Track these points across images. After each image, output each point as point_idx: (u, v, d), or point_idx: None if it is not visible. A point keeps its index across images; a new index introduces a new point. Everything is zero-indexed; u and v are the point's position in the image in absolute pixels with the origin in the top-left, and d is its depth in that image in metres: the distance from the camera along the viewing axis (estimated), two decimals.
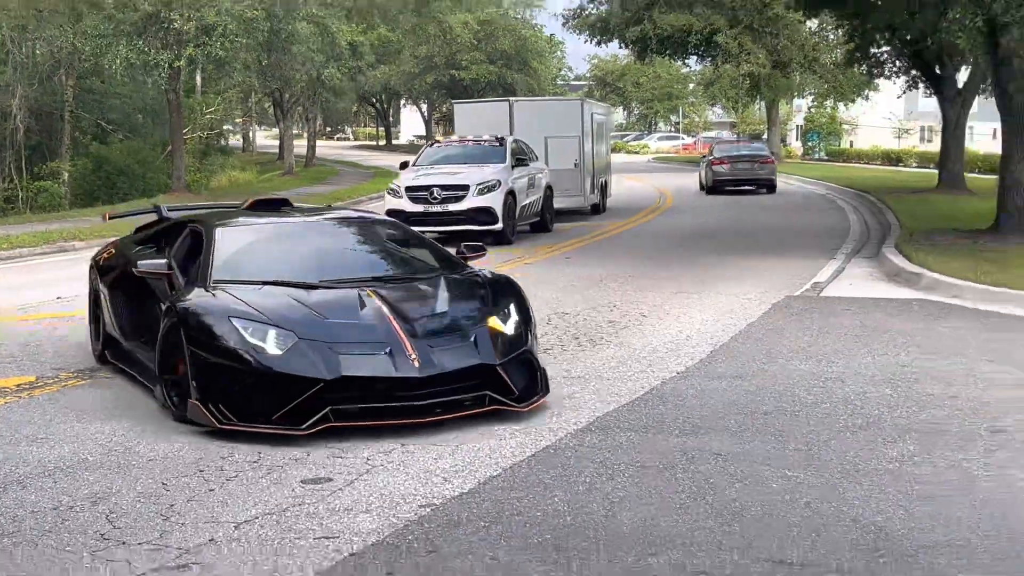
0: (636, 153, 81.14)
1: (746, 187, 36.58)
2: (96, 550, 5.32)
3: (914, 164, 53.49)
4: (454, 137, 25.44)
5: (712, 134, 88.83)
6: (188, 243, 9.21)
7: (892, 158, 57.82)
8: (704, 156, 41.71)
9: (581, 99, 31.51)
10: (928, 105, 53.27)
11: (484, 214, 20.20)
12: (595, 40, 48.84)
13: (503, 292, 8.63)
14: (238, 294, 8.01)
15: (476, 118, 26.66)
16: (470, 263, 9.52)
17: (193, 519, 5.76)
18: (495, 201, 20.24)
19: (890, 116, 76.22)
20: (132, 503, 6.05)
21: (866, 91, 55.78)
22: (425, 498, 6.03)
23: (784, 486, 6.18)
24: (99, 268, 10.32)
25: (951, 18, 16.54)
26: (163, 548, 5.35)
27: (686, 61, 60.35)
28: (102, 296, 9.97)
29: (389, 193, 21.64)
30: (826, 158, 65.93)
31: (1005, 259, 15.42)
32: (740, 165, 36.46)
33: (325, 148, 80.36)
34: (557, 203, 24.11)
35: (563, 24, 48.93)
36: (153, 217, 10.80)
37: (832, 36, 47.14)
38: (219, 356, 7.44)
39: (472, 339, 7.89)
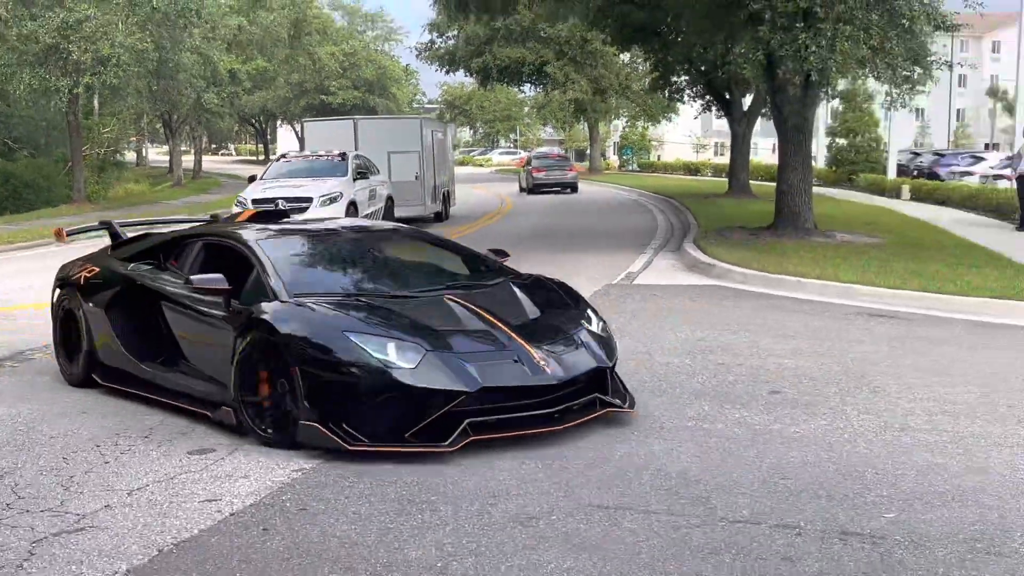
0: (481, 166, 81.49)
1: (555, 188, 40.89)
2: (2, 518, 5.11)
3: (710, 174, 54.74)
4: (299, 152, 24.50)
5: (544, 149, 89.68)
6: (203, 257, 7.60)
7: (692, 169, 59.04)
8: (525, 165, 45.45)
9: (420, 118, 30.68)
10: (720, 124, 54.57)
11: None
12: (444, 70, 48.95)
13: (569, 293, 7.55)
14: (332, 307, 6.45)
15: (324, 135, 25.53)
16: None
17: (91, 488, 5.57)
18: (338, 212, 19.32)
19: (690, 134, 78.02)
20: (35, 476, 5.81)
21: (669, 113, 56.97)
22: (298, 463, 5.93)
23: (603, 441, 6.29)
24: (81, 287, 8.07)
25: (737, 52, 16.98)
26: (63, 514, 5.16)
27: (521, 88, 60.76)
28: (85, 317, 7.91)
29: (237, 205, 19.44)
30: (638, 169, 67.02)
31: (782, 251, 15.92)
32: (552, 172, 41.61)
33: (210, 163, 78.54)
34: (400, 212, 23.07)
35: (416, 56, 48.91)
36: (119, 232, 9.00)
37: (641, 67, 47.98)
38: (340, 374, 5.98)
39: (580, 342, 6.76)
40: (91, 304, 7.92)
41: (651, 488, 5.42)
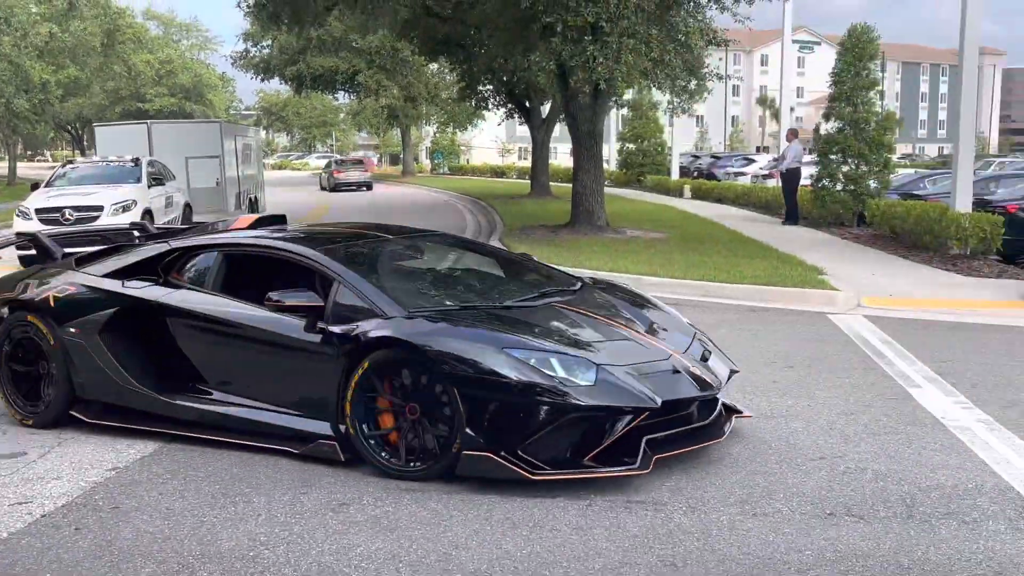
0: (299, 170, 79.90)
1: (353, 187, 44.24)
2: None
3: (515, 176, 55.45)
4: (89, 159, 22.30)
5: (360, 154, 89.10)
6: (226, 271, 6.29)
7: (498, 172, 59.63)
8: (325, 168, 49.24)
9: (220, 122, 28.52)
10: (523, 130, 55.33)
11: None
12: (260, 77, 47.76)
13: (635, 293, 6.82)
14: (476, 321, 5.45)
15: (116, 141, 23.33)
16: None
17: None
18: (132, 220, 17.26)
19: (496, 139, 78.86)
20: None
21: (476, 120, 57.39)
22: (112, 463, 5.68)
23: None
24: (51, 311, 6.41)
25: (533, 61, 17.19)
26: None
27: (335, 95, 59.91)
28: (62, 346, 6.34)
29: (19, 216, 16.82)
30: (449, 172, 67.28)
31: (578, 246, 16.28)
32: (350, 173, 45.04)
33: (26, 169, 74.08)
34: (201, 219, 21.61)
35: (232, 64, 47.58)
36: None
37: (449, 76, 48.15)
38: (510, 395, 4.98)
39: (711, 347, 6.12)
40: (72, 330, 6.30)
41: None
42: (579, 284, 6.60)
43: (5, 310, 6.67)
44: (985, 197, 17.31)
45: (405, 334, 5.22)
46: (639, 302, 6.50)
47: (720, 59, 39.70)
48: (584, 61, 15.65)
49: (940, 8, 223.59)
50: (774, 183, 26.80)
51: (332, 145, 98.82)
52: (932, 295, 11.71)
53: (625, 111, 40.79)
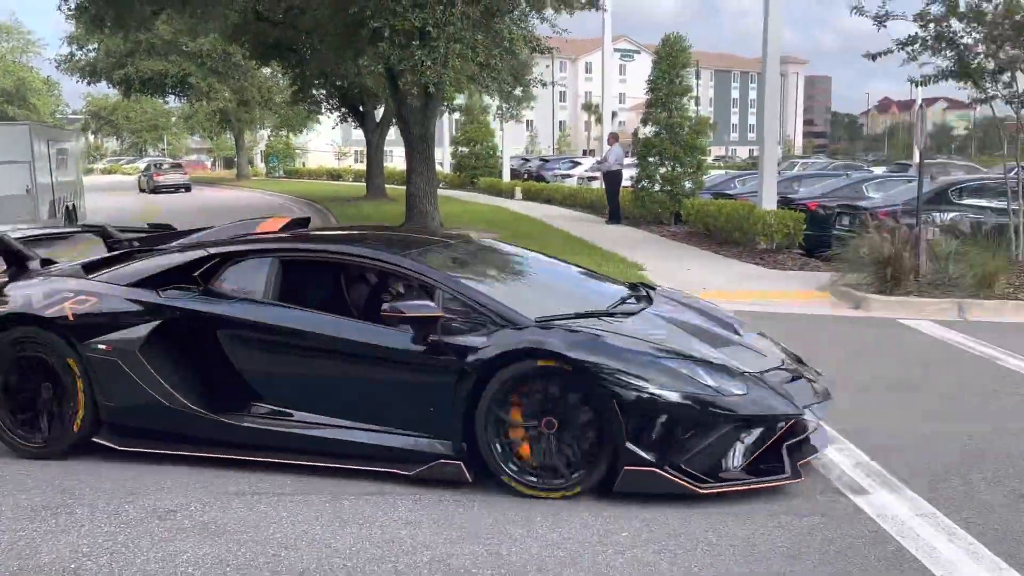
0: (130, 174, 76.56)
1: (172, 189, 45.99)
2: None
3: (351, 179, 54.84)
4: None
5: (192, 158, 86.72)
6: (283, 279, 5.62)
7: (335, 175, 58.90)
8: (145, 171, 50.88)
9: (29, 124, 25.84)
10: (359, 134, 54.80)
11: None
12: (86, 81, 45.61)
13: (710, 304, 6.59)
14: (620, 331, 5.09)
15: None
16: None
17: None
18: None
19: (332, 142, 77.82)
20: None
21: (311, 123, 56.45)
22: None
23: None
24: (70, 327, 5.55)
25: (363, 66, 17.05)
26: None
27: (165, 99, 57.78)
28: (84, 366, 5.50)
29: None
30: (285, 175, 65.93)
31: None
32: (169, 175, 47.42)
33: None
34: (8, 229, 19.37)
35: (57, 67, 45.18)
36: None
37: (283, 80, 47.20)
38: (671, 408, 4.70)
39: (789, 352, 5.86)
40: (102, 346, 5.49)
41: (284, 469, 5.33)
42: (642, 289, 6.37)
43: None
44: (789, 196, 18.22)
45: (552, 345, 4.81)
46: (703, 307, 6.32)
47: (547, 66, 40.42)
48: (412, 65, 15.63)
49: (749, 20, 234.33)
50: (598, 184, 27.42)
51: (164, 149, 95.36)
52: (743, 287, 12.24)
53: (458, 115, 40.96)
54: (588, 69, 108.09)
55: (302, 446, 5.23)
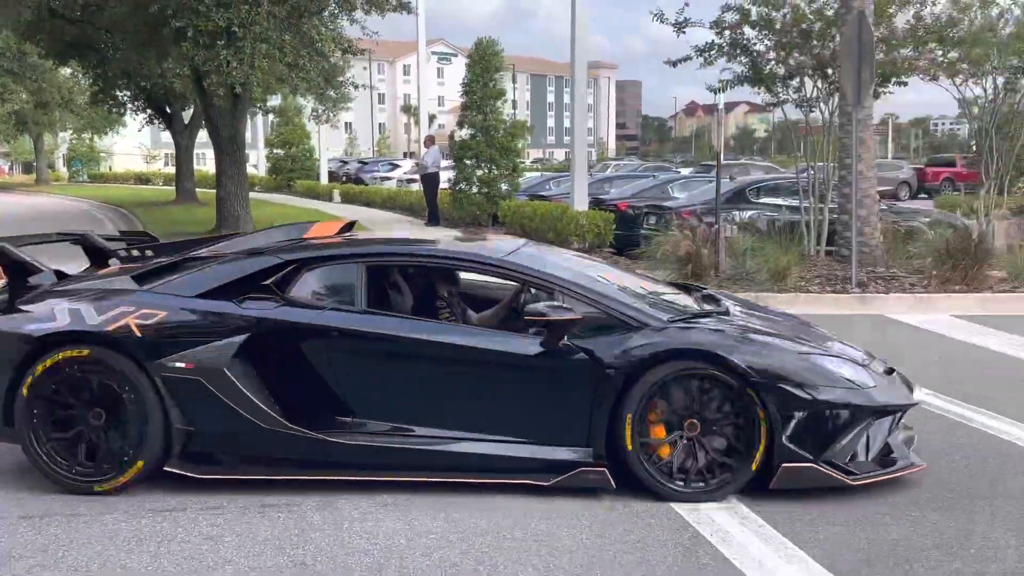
0: None
1: None
2: None
3: (161, 183, 52.83)
4: None
5: None
6: (372, 285, 5.27)
7: (143, 179, 56.71)
8: None
9: None
10: (168, 136, 52.87)
11: None
12: None
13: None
14: (753, 329, 5.15)
15: None
16: None
17: None
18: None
19: (140, 145, 74.70)
20: None
21: (116, 125, 53.94)
22: None
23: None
24: (139, 343, 4.92)
25: (167, 67, 16.46)
26: None
27: None
28: (157, 388, 4.89)
29: None
30: (89, 180, 62.76)
31: None
32: None
33: None
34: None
35: None
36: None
37: (84, 80, 44.92)
38: (821, 403, 4.75)
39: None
40: (180, 364, 4.88)
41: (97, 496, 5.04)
42: (697, 290, 6.35)
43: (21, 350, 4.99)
44: (600, 196, 18.74)
45: (702, 344, 4.80)
46: (756, 307, 6.36)
47: (364, 68, 40.04)
48: (218, 66, 15.19)
49: (562, 25, 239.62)
50: (417, 187, 27.41)
51: None
52: None
53: (272, 117, 40.07)
54: (407, 71, 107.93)
55: (427, 462, 4.92)
